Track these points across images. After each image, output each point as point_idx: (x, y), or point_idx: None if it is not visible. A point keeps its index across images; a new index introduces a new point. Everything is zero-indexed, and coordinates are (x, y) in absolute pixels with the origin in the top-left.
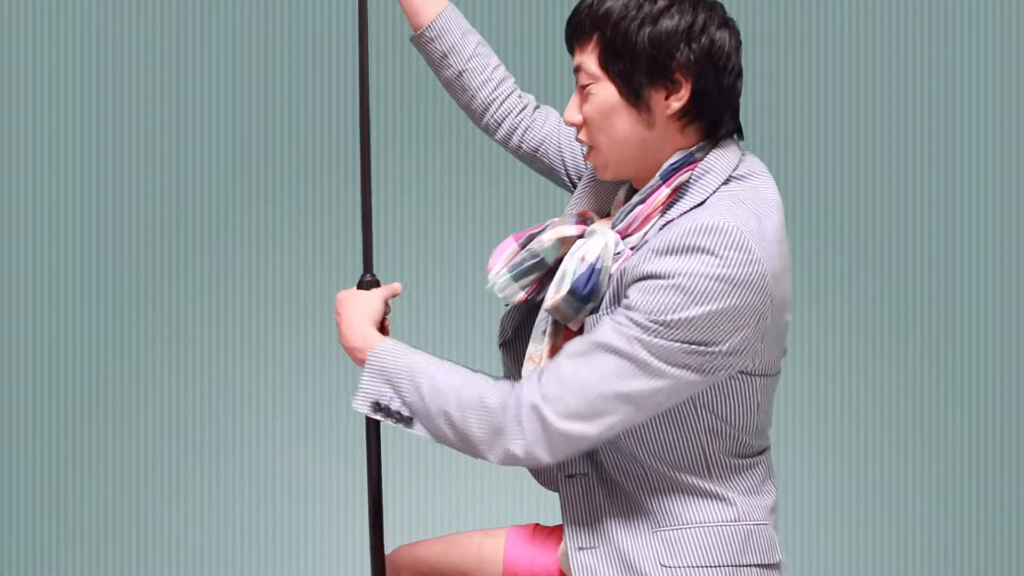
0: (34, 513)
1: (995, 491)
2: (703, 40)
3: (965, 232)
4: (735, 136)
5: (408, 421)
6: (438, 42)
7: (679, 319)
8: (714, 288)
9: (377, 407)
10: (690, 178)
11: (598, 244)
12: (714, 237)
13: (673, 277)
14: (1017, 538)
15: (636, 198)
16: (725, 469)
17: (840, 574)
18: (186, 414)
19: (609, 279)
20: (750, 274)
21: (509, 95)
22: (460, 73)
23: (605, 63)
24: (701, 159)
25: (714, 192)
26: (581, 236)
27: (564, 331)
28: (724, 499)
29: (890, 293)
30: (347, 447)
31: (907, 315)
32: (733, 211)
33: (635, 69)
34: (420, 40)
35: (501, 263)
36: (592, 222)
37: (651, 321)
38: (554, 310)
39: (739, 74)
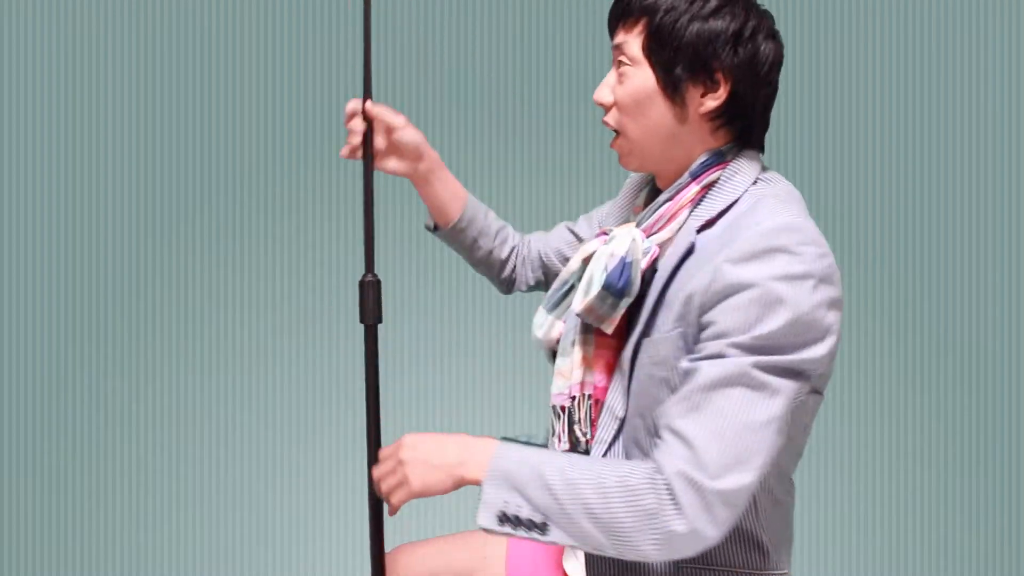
0: (34, 513)
1: (996, 494)
2: (749, 46)
3: (968, 236)
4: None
5: (542, 528)
6: (470, 229)
7: (778, 326)
8: (800, 287)
9: (504, 518)
10: (720, 177)
11: (625, 240)
12: (787, 235)
13: (758, 284)
14: (1017, 538)
15: (664, 196)
16: (765, 500)
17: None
18: (186, 414)
19: (655, 291)
20: (826, 266)
21: (526, 256)
22: (490, 251)
23: (649, 49)
24: (731, 160)
25: (745, 191)
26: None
27: (596, 337)
28: (758, 543)
29: (891, 297)
30: (347, 446)
31: (907, 319)
32: (787, 208)
33: (678, 61)
34: (453, 232)
35: (540, 308)
36: (611, 232)
37: (753, 339)
38: (587, 312)
39: (775, 89)
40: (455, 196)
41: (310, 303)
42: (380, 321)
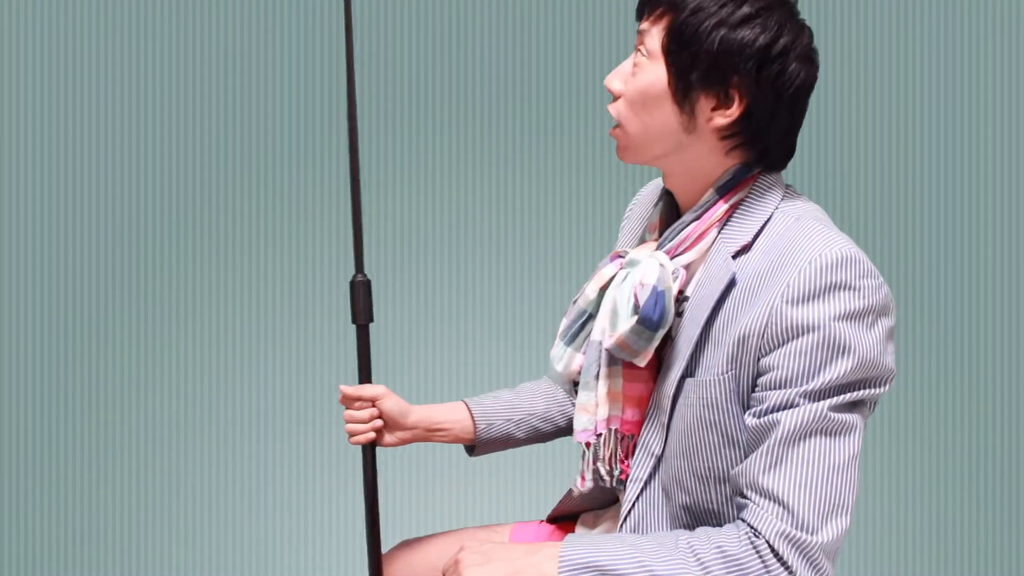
0: (34, 513)
1: (996, 494)
2: (775, 66)
3: (968, 237)
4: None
5: None
6: (496, 420)
7: (846, 370)
8: (861, 325)
9: None
10: (748, 195)
11: (653, 267)
12: (845, 269)
13: (822, 327)
14: (1018, 538)
15: (690, 215)
16: None
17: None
18: (184, 414)
19: (695, 325)
20: (883, 297)
21: (563, 399)
22: (537, 428)
23: (667, 47)
24: (757, 174)
25: (776, 208)
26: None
27: (625, 370)
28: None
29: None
30: (341, 446)
31: (907, 319)
32: (837, 235)
33: (694, 67)
34: (487, 441)
35: (556, 341)
36: (627, 255)
37: (822, 384)
38: (620, 347)
39: (801, 114)
40: (458, 420)
41: (301, 304)
42: (372, 321)
